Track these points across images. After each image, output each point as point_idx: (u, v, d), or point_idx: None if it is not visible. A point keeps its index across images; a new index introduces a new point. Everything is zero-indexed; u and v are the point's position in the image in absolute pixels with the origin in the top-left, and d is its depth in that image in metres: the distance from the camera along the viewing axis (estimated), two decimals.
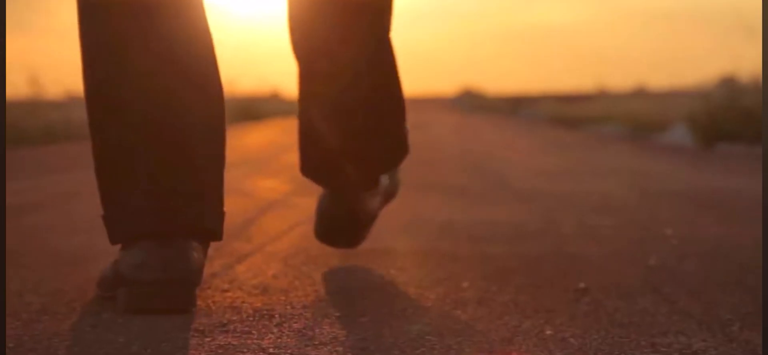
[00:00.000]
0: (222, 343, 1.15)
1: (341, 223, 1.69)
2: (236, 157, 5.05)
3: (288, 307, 1.35)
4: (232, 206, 1.49)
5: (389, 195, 1.82)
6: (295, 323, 1.25)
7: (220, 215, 1.42)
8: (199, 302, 1.37)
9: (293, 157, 1.78)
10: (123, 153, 1.42)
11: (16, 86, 9.30)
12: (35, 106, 9.02)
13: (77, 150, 6.18)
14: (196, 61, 1.42)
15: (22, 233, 2.16)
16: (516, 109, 23.51)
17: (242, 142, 7.41)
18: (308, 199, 2.10)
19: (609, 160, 5.01)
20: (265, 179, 3.77)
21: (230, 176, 1.56)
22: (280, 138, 8.43)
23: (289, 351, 1.11)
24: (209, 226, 1.40)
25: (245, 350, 1.12)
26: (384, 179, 1.76)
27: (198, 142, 1.41)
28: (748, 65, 7.78)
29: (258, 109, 17.92)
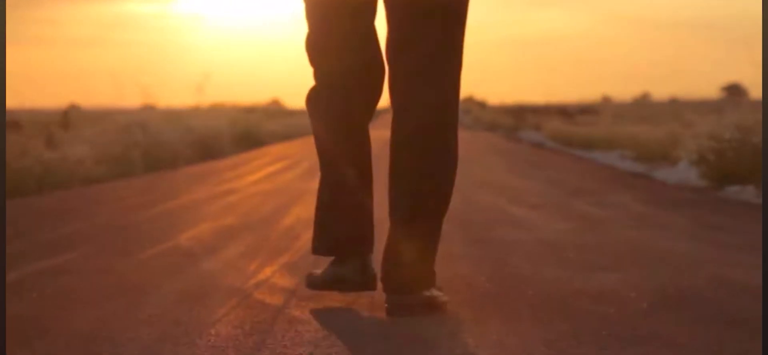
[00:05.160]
0: None
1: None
2: (236, 223, 4.88)
3: None
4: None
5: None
6: None
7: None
8: None
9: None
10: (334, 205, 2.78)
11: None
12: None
13: (71, 204, 6.02)
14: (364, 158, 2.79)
15: None
16: (518, 127, 23.36)
17: (238, 184, 7.24)
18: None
19: (620, 227, 4.86)
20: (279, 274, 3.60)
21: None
22: (285, 177, 8.25)
23: None
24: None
25: None
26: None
27: (368, 207, 2.77)
28: (752, 73, 7.61)
29: (258, 130, 17.71)
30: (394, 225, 2.69)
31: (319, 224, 2.81)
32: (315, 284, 2.87)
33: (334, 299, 2.92)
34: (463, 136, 16.00)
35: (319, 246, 2.83)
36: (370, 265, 2.78)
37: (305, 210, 5.50)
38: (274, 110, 47.82)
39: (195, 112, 15.44)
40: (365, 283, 2.79)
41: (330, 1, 2.71)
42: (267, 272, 3.45)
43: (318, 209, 2.81)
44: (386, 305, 2.68)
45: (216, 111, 20.86)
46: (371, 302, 2.84)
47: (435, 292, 2.72)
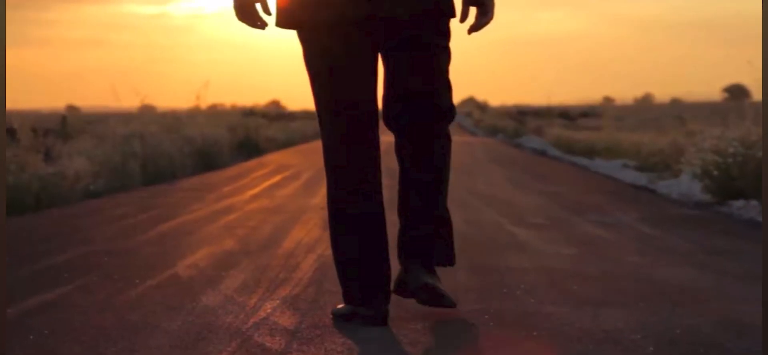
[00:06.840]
0: None
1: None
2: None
3: None
4: None
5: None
6: None
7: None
8: None
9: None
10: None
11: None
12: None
13: (68, 225, 5.95)
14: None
15: None
16: (519, 132, 23.29)
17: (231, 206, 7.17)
18: None
19: (624, 252, 4.81)
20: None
21: None
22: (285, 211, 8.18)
23: None
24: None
25: None
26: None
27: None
28: (753, 74, 7.54)
29: (258, 137, 17.65)
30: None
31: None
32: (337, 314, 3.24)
33: (335, 342, 2.88)
34: (464, 141, 15.89)
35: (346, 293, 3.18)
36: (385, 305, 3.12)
37: (305, 233, 5.45)
38: (274, 112, 47.77)
39: (194, 114, 15.34)
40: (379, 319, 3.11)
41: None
42: (267, 308, 3.40)
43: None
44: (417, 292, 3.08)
45: (215, 114, 20.78)
46: (375, 346, 2.79)
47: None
